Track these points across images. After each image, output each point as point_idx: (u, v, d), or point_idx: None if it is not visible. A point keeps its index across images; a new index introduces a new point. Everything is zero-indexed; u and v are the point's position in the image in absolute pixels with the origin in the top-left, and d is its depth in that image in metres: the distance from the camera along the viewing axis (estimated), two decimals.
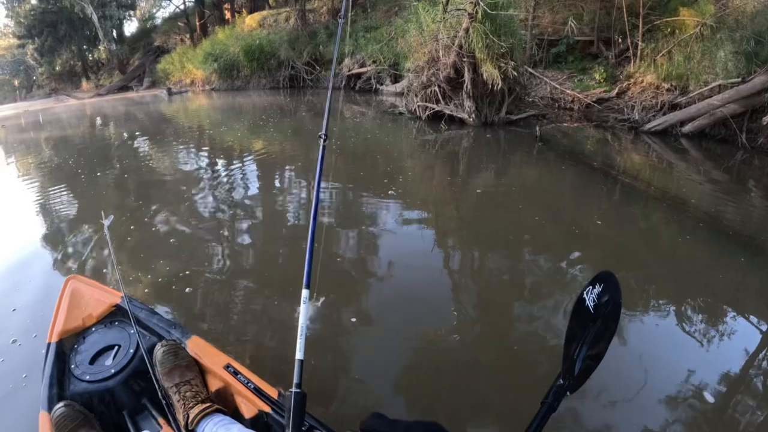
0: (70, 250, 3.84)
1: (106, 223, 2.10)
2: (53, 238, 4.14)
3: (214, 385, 1.58)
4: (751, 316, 2.64)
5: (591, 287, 1.17)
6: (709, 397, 2.02)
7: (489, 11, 6.50)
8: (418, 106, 8.29)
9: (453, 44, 7.17)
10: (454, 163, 6.19)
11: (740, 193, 4.93)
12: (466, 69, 7.18)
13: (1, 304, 2.98)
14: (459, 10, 7.01)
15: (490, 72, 6.80)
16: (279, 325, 2.61)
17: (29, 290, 3.15)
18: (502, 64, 6.73)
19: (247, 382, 1.53)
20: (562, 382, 1.07)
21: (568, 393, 1.07)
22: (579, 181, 5.32)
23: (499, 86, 6.91)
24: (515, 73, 6.81)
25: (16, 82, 32.47)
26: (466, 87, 7.33)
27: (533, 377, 2.21)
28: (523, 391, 2.06)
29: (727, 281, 3.09)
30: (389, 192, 4.72)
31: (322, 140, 1.61)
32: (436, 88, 7.78)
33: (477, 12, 6.58)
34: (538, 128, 6.83)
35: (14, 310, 2.88)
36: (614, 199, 4.77)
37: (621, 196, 4.83)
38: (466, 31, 6.86)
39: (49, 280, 3.30)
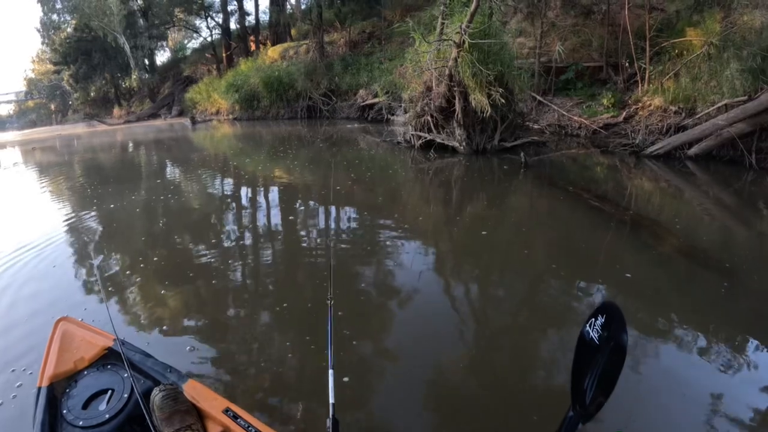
0: (60, 289, 3.51)
1: (95, 262, 2.10)
2: (43, 275, 3.75)
3: (213, 429, 1.55)
4: None
5: (594, 319, 1.13)
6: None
7: (471, 41, 6.46)
8: (412, 135, 8.28)
9: (443, 75, 7.16)
10: (445, 196, 6.02)
11: (750, 218, 4.69)
12: (456, 98, 7.13)
13: None
14: (446, 40, 7.00)
15: (479, 100, 6.71)
16: (286, 367, 2.47)
17: (12, 332, 2.86)
18: (492, 92, 6.62)
19: (248, 426, 1.50)
20: (572, 413, 1.05)
21: (581, 424, 1.05)
22: (567, 213, 5.04)
23: (488, 113, 6.79)
24: (503, 101, 6.68)
25: (52, 106, 34.28)
26: (457, 116, 7.27)
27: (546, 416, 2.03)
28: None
29: (741, 310, 2.90)
30: (385, 236, 4.44)
31: (329, 303, 1.84)
32: (429, 118, 7.75)
33: (464, 42, 6.55)
34: (523, 155, 6.67)
35: None
36: (605, 231, 4.45)
37: (602, 223, 4.52)
38: (455, 60, 6.83)
39: (35, 320, 2.99)
